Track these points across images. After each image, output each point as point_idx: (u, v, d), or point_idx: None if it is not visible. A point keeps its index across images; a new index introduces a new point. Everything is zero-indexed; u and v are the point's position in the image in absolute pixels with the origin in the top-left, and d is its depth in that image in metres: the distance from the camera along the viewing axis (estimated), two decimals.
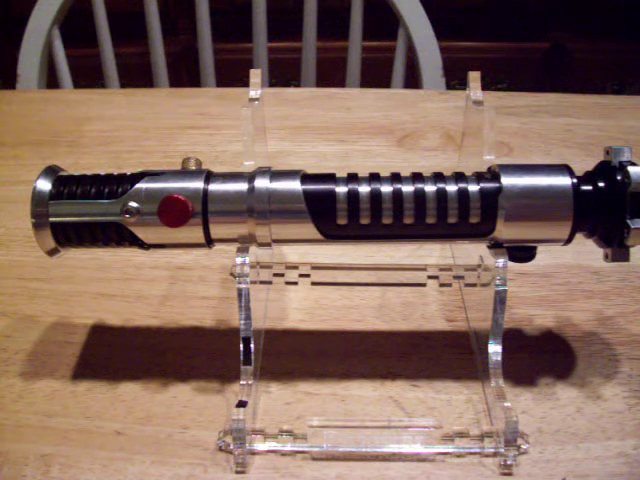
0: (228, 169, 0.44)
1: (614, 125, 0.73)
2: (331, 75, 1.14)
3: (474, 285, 0.48)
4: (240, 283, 0.42)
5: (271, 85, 1.24)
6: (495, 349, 0.42)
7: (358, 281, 0.52)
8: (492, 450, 0.40)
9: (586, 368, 0.45)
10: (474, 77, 0.49)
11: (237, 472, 0.39)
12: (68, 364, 0.46)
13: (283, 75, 1.50)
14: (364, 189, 0.41)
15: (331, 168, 0.44)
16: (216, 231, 0.42)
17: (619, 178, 0.40)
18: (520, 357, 0.46)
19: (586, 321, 0.49)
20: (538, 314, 0.50)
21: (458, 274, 0.50)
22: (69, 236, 0.42)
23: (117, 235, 0.42)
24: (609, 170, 0.41)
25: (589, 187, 0.41)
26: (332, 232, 0.42)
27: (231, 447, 0.40)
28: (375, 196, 0.41)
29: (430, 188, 0.41)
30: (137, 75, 1.30)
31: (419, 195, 0.41)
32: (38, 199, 0.42)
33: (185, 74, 1.68)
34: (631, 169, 0.40)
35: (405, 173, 0.42)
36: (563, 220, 0.41)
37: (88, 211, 0.42)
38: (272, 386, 0.45)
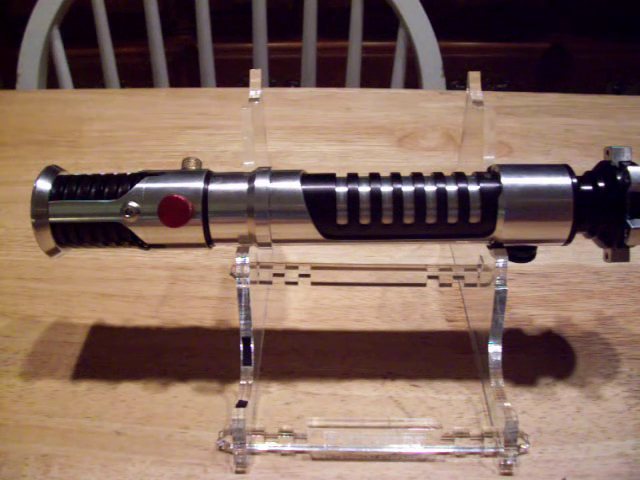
0: (228, 169, 0.44)
1: (614, 125, 0.73)
2: (331, 75, 1.14)
3: (474, 285, 0.48)
4: (240, 283, 0.42)
5: (271, 85, 1.24)
6: (495, 349, 0.42)
7: (358, 281, 0.52)
8: (492, 450, 0.40)
9: (586, 368, 0.45)
10: (474, 77, 0.49)
11: (237, 472, 0.39)
12: (68, 364, 0.46)
13: (283, 75, 1.50)
14: (364, 189, 0.41)
15: (331, 168, 0.44)
16: (216, 231, 0.42)
17: (619, 178, 0.40)
18: (520, 357, 0.46)
19: (586, 321, 0.49)
20: (538, 314, 0.50)
21: (458, 274, 0.50)
22: (69, 236, 0.42)
23: (117, 235, 0.42)
24: (609, 170, 0.41)
25: (589, 187, 0.41)
26: (332, 232, 0.42)
27: (231, 447, 0.40)
28: (375, 196, 0.41)
29: (430, 188, 0.41)
30: (137, 75, 1.30)
31: (419, 195, 0.41)
32: (38, 199, 0.42)
33: (185, 74, 1.68)
34: (631, 169, 0.40)
35: (405, 173, 0.42)
36: (563, 220, 0.41)
37: (88, 211, 0.42)
38: (272, 386, 0.45)
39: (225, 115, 0.75)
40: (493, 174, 0.42)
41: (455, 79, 1.43)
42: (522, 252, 0.42)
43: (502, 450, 0.39)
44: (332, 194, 0.41)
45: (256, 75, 0.49)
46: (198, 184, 0.42)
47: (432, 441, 0.40)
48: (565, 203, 0.40)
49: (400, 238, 0.43)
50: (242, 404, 0.40)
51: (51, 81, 1.00)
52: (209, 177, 0.42)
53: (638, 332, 0.48)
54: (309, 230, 0.41)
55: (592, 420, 0.42)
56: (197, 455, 0.40)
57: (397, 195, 0.41)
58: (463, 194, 0.41)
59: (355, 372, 0.45)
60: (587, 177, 0.42)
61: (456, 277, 0.51)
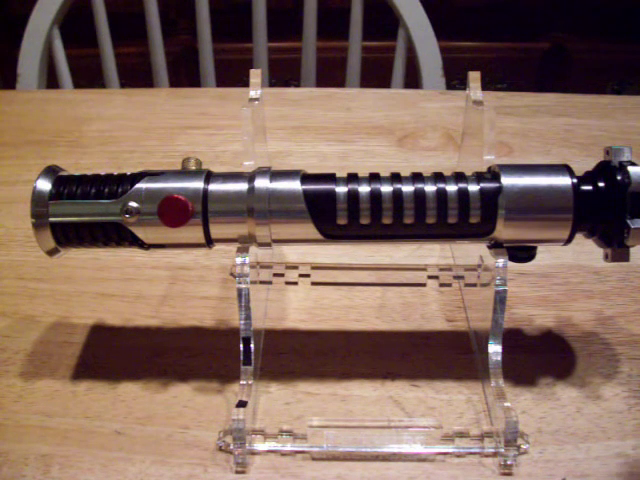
0: (228, 169, 0.44)
1: (614, 125, 0.73)
2: (331, 75, 1.14)
3: (474, 285, 0.48)
4: (240, 283, 0.42)
5: (271, 85, 1.24)
6: (495, 349, 0.42)
7: (358, 281, 0.52)
8: (492, 450, 0.40)
9: (586, 368, 0.45)
10: (474, 77, 0.49)
11: (237, 472, 0.39)
12: (68, 364, 0.46)
13: (283, 75, 1.50)
14: (364, 189, 0.41)
15: (331, 168, 0.44)
16: (216, 231, 0.42)
17: (619, 178, 0.40)
18: (520, 357, 0.46)
19: (586, 321, 0.49)
20: (538, 314, 0.50)
21: (458, 274, 0.50)
22: (69, 236, 0.42)
23: (117, 235, 0.42)
24: (609, 170, 0.41)
25: (589, 187, 0.41)
26: (332, 232, 0.42)
27: (231, 447, 0.40)
28: (375, 196, 0.41)
29: (430, 188, 0.41)
30: (137, 75, 1.30)
31: (419, 195, 0.41)
32: (38, 199, 0.42)
33: (185, 74, 1.68)
34: (631, 169, 0.40)
35: (405, 173, 0.42)
36: (563, 220, 0.41)
37: (88, 211, 0.42)
38: (272, 386, 0.45)
39: (225, 115, 0.75)
40: (493, 174, 0.42)
41: (455, 79, 1.43)
42: (522, 252, 0.42)
43: (502, 450, 0.39)
44: (332, 194, 0.41)
45: (256, 75, 0.49)
46: (198, 184, 0.41)
47: (432, 441, 0.40)
48: (565, 203, 0.40)
49: (400, 238, 0.43)
50: (242, 404, 0.40)
51: (51, 81, 1.00)
52: (209, 177, 0.42)
53: (638, 332, 0.48)
54: (309, 230, 0.41)
55: (592, 420, 0.42)
56: (197, 455, 0.40)
57: (397, 195, 0.41)
58: (463, 194, 0.41)
59: (355, 372, 0.45)
60: (587, 177, 0.42)
61: (456, 277, 0.51)
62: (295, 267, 0.52)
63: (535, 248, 0.42)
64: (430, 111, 0.75)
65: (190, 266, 0.55)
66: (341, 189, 0.41)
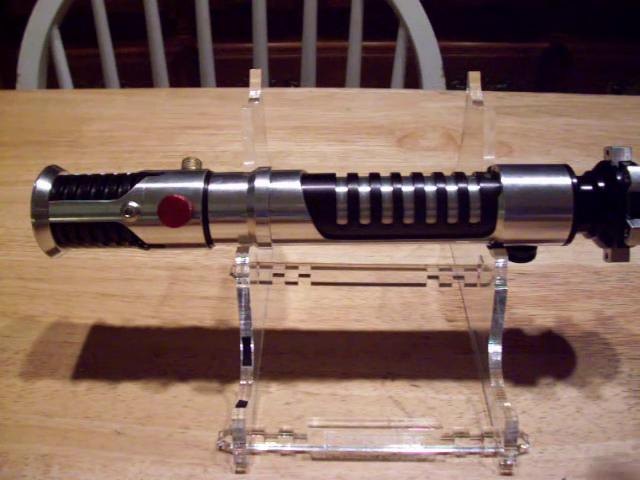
0: (228, 169, 0.44)
1: (614, 125, 0.73)
2: (331, 75, 1.14)
3: (474, 285, 0.48)
4: (240, 283, 0.42)
5: (271, 85, 1.24)
6: (495, 349, 0.42)
7: (358, 281, 0.52)
8: (492, 450, 0.40)
9: (586, 368, 0.45)
10: (474, 77, 0.49)
11: (237, 472, 0.39)
12: (68, 364, 0.46)
13: (283, 75, 1.50)
14: (364, 189, 0.41)
15: (331, 168, 0.44)
16: (216, 231, 0.42)
17: (619, 178, 0.40)
18: (520, 357, 0.46)
19: (586, 321, 0.49)
20: (538, 314, 0.50)
21: (458, 274, 0.50)
22: (69, 236, 0.42)
23: (117, 235, 0.42)
24: (609, 170, 0.41)
25: (589, 187, 0.41)
26: (332, 232, 0.42)
27: (231, 447, 0.40)
28: (375, 196, 0.41)
29: (430, 188, 0.41)
30: (137, 75, 1.30)
31: (419, 195, 0.41)
32: (38, 199, 0.42)
33: (185, 74, 1.68)
34: (631, 169, 0.40)
35: (405, 173, 0.42)
36: (563, 220, 0.41)
37: (88, 211, 0.42)
38: (272, 386, 0.45)
39: (225, 115, 0.75)
40: (493, 174, 0.42)
41: (455, 79, 1.43)
42: (522, 252, 0.42)
43: (502, 450, 0.39)
44: (332, 194, 0.41)
45: (256, 75, 0.49)
46: (198, 184, 0.42)
47: (432, 441, 0.40)
48: (565, 203, 0.40)
49: (400, 238, 0.43)
50: (242, 404, 0.40)
51: (51, 81, 1.00)
52: (209, 177, 0.42)
53: (638, 332, 0.48)
54: (309, 230, 0.41)
55: (592, 420, 0.42)
56: (197, 455, 0.40)
57: (397, 195, 0.41)
58: (463, 194, 0.41)
59: (355, 372, 0.45)
60: (587, 177, 0.42)
61: (456, 277, 0.51)
62: (295, 267, 0.52)
63: (535, 248, 0.42)
64: (430, 111, 0.75)
65: (190, 266, 0.55)
66: (341, 189, 0.41)
